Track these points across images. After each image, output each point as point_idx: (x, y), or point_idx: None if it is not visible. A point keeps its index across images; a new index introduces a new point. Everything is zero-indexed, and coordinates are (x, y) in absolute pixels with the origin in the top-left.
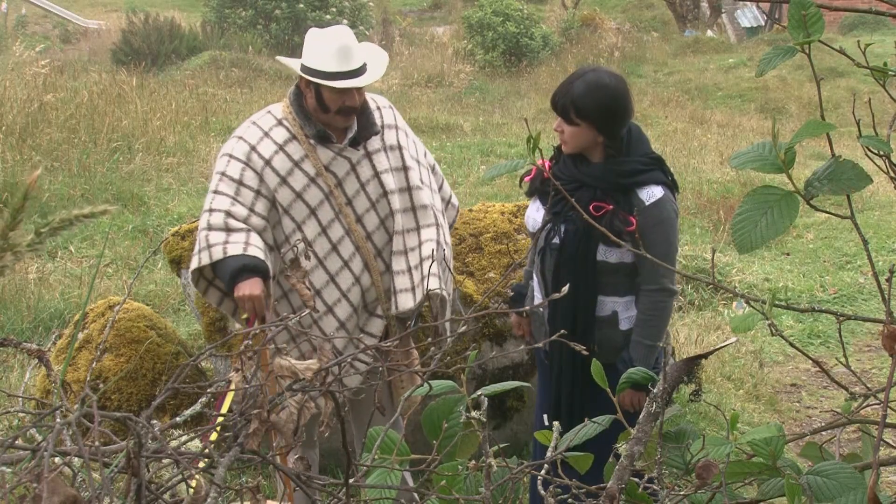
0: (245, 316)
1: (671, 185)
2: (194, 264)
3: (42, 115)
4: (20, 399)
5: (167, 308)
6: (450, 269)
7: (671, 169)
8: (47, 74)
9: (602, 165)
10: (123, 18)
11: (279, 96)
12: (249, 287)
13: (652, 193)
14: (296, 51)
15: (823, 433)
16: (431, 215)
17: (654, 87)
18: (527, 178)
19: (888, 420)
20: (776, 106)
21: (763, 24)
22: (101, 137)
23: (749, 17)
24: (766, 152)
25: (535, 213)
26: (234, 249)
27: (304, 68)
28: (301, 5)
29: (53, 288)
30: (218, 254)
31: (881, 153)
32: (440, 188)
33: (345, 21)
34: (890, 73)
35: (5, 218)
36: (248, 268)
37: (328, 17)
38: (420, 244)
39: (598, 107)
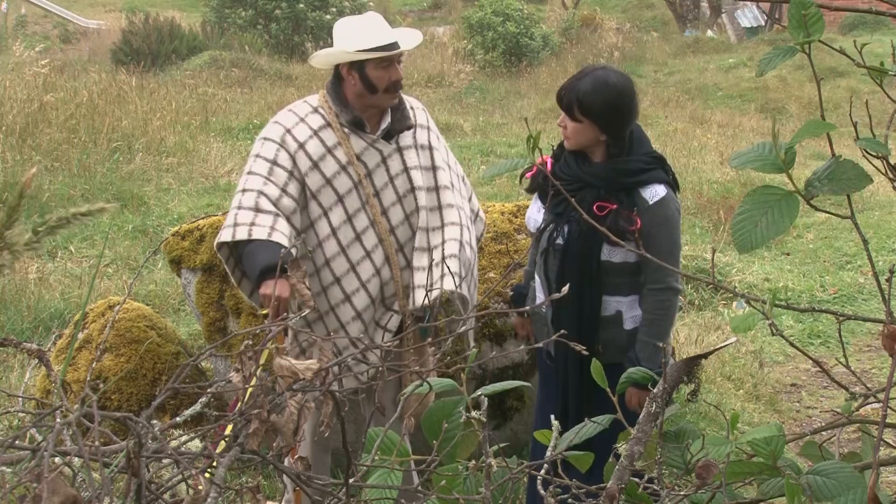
0: (265, 311)
1: (672, 184)
2: (218, 239)
3: (42, 115)
4: (20, 399)
5: (167, 308)
6: (471, 273)
7: (672, 169)
8: (47, 74)
9: (605, 165)
10: (123, 18)
11: (279, 96)
12: (278, 288)
13: (655, 192)
14: (295, 50)
15: (823, 433)
16: (457, 215)
17: (654, 87)
18: (528, 174)
19: (888, 420)
20: (776, 106)
21: (763, 24)
22: (101, 137)
23: (749, 17)
24: (766, 152)
25: (535, 214)
26: (260, 233)
27: (352, 52)
28: (301, 5)
29: (53, 288)
30: (242, 234)
31: (879, 155)
32: (469, 199)
33: (327, 16)
34: (890, 72)
35: (1, 217)
36: (278, 266)
37: (328, 17)
38: (443, 242)
39: (602, 105)
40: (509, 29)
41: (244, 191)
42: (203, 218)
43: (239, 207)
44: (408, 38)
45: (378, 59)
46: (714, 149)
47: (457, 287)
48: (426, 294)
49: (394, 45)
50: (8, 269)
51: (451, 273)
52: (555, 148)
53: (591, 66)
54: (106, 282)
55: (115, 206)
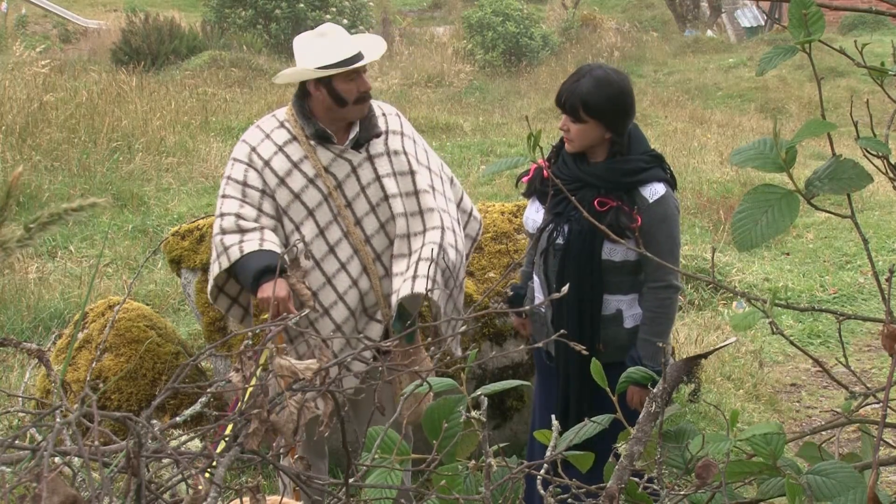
0: (266, 317)
1: (671, 182)
2: (214, 270)
3: (42, 114)
4: (20, 399)
5: (167, 308)
6: (455, 278)
7: (670, 167)
8: (47, 74)
9: (604, 164)
10: (123, 18)
11: (279, 96)
12: (276, 288)
13: (655, 191)
14: None
15: (823, 433)
16: (438, 218)
17: (654, 87)
18: (524, 179)
19: (888, 420)
20: (776, 106)
21: (763, 23)
22: (101, 137)
23: (749, 16)
24: (766, 150)
25: (534, 214)
26: (251, 246)
27: (316, 69)
28: (301, 5)
29: (53, 288)
30: (235, 254)
31: (879, 154)
32: (460, 201)
33: (345, 21)
34: (890, 72)
35: None
36: (271, 268)
37: (328, 17)
38: (422, 246)
39: (608, 103)
40: (509, 29)
41: (222, 215)
42: (203, 218)
43: (222, 233)
44: (371, 47)
45: (344, 73)
46: (714, 148)
47: (430, 293)
48: (397, 295)
49: (357, 57)
50: (7, 269)
51: (424, 277)
52: (553, 148)
53: (586, 66)
54: (106, 282)
55: (106, 200)
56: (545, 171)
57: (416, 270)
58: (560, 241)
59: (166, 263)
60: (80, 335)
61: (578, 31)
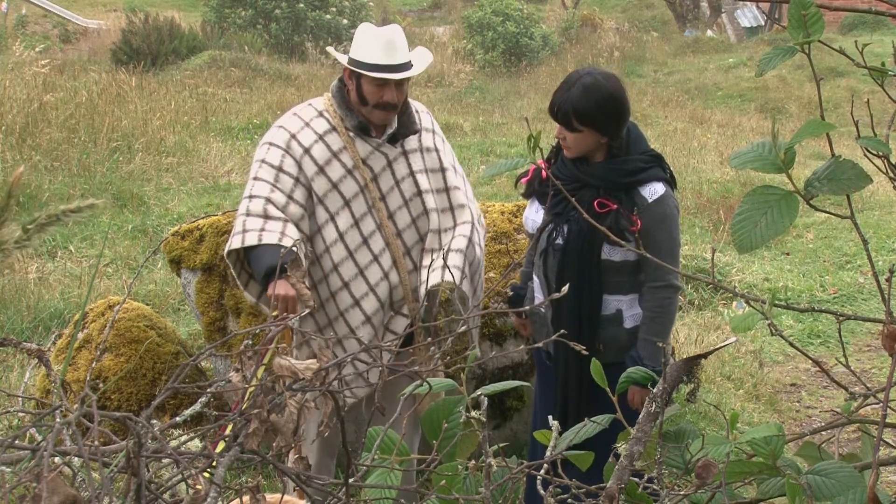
0: (275, 313)
1: (670, 182)
2: (227, 247)
3: (42, 114)
4: (20, 399)
5: (167, 308)
6: (478, 274)
7: (670, 167)
8: (47, 74)
9: (603, 165)
10: (123, 18)
11: (279, 96)
12: (284, 287)
13: (654, 191)
14: (295, 50)
15: (823, 433)
16: (469, 214)
17: (654, 87)
18: (523, 180)
19: (888, 420)
20: (776, 106)
21: (763, 23)
22: (101, 137)
23: (749, 16)
24: (765, 152)
25: (533, 215)
26: (270, 238)
27: (350, 60)
28: (301, 5)
29: (53, 288)
30: (252, 239)
31: (880, 154)
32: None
33: (345, 20)
34: (889, 73)
35: None
36: (283, 266)
37: (328, 16)
38: (452, 239)
39: (599, 110)
40: (509, 29)
41: (251, 197)
42: (203, 218)
43: (247, 214)
44: (416, 61)
45: (371, 77)
46: (714, 149)
47: (458, 283)
48: (426, 284)
49: (394, 68)
50: (7, 269)
51: (452, 267)
52: (552, 148)
53: (575, 73)
54: (106, 282)
55: (104, 201)
56: (544, 172)
57: (445, 261)
58: (559, 241)
59: (166, 263)
60: (80, 335)
61: (578, 31)
